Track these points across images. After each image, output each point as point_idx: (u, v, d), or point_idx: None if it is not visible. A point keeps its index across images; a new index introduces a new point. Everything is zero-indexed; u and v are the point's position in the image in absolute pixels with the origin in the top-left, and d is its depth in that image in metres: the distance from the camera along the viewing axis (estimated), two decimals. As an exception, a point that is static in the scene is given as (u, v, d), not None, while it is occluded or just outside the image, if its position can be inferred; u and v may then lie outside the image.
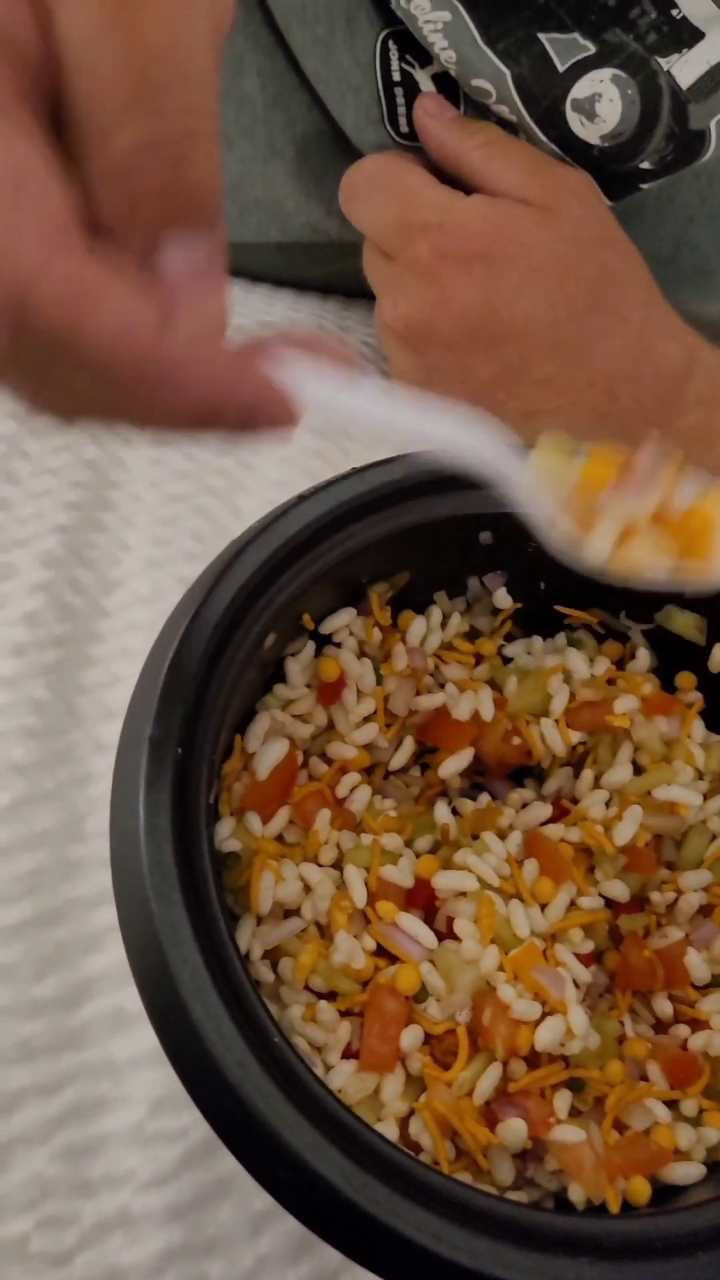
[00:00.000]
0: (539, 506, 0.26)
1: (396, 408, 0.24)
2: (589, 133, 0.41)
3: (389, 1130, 0.28)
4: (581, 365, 0.42)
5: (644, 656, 0.36)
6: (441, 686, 0.37)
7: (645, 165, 0.41)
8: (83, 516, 0.43)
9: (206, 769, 0.28)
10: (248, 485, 0.45)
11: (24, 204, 0.19)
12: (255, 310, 0.53)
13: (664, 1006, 0.33)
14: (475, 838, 0.33)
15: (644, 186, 0.42)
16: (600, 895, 0.33)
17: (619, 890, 0.33)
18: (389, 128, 0.43)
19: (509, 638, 0.38)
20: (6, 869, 0.35)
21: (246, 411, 0.22)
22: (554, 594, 0.37)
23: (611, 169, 0.42)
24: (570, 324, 0.41)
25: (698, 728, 0.35)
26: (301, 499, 0.32)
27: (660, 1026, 0.33)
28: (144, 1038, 0.33)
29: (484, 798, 0.36)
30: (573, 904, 0.33)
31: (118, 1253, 0.31)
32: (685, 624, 0.36)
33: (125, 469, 0.45)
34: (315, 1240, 0.32)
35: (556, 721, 0.35)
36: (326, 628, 0.34)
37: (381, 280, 0.43)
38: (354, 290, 0.53)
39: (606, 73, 0.39)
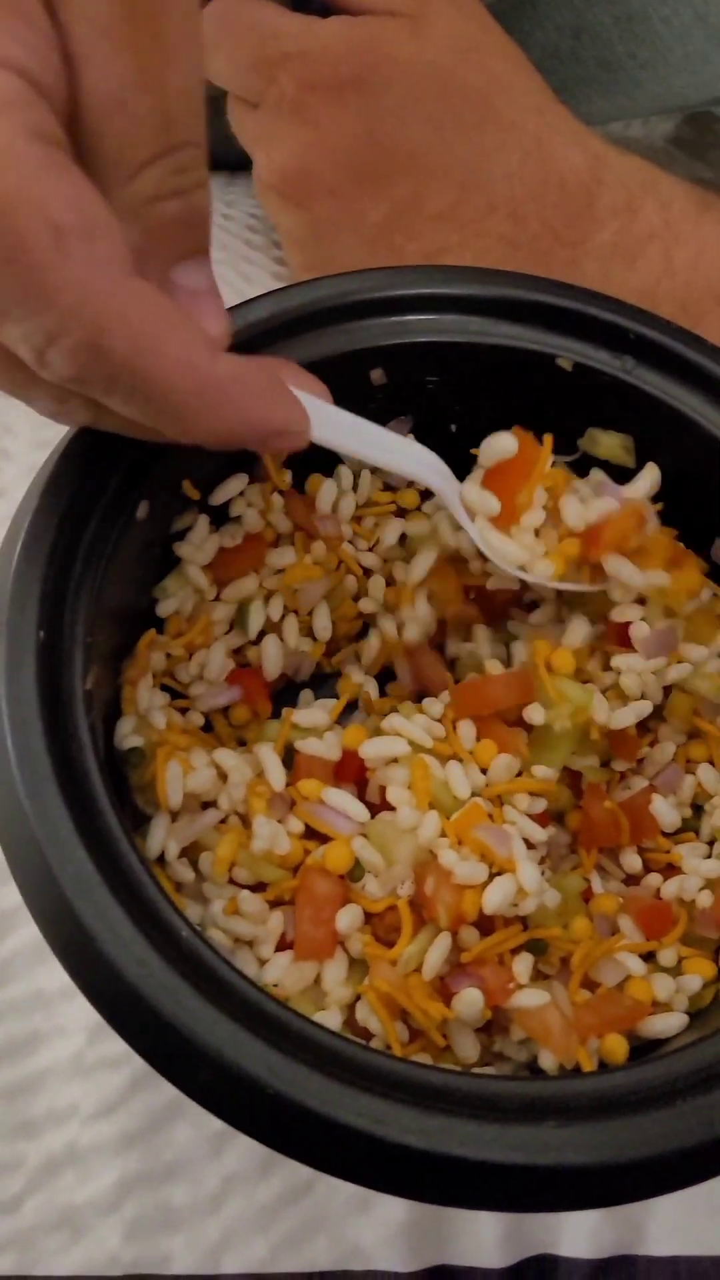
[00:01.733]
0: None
1: (368, 433, 0.28)
2: None
3: (332, 1019, 0.25)
4: (480, 189, 0.38)
5: (583, 490, 0.33)
6: (367, 575, 0.34)
7: None
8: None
9: (81, 654, 0.25)
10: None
11: (97, 248, 0.20)
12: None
13: (632, 861, 0.31)
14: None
15: None
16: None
17: (588, 764, 0.30)
18: None
19: (426, 494, 0.35)
20: None
21: (276, 433, 0.24)
22: (467, 435, 0.33)
23: None
24: (461, 143, 0.38)
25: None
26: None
27: (631, 880, 0.31)
28: (76, 965, 0.31)
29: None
30: (521, 774, 0.30)
31: (70, 1191, 0.29)
32: (611, 446, 0.32)
33: None
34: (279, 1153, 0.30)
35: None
36: (217, 498, 0.31)
37: (251, 134, 0.39)
38: (234, 162, 0.49)
39: None
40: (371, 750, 0.29)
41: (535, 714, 0.30)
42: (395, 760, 0.28)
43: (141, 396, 0.21)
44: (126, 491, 0.27)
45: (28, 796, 0.22)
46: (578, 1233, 0.30)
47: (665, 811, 0.30)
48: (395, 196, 0.38)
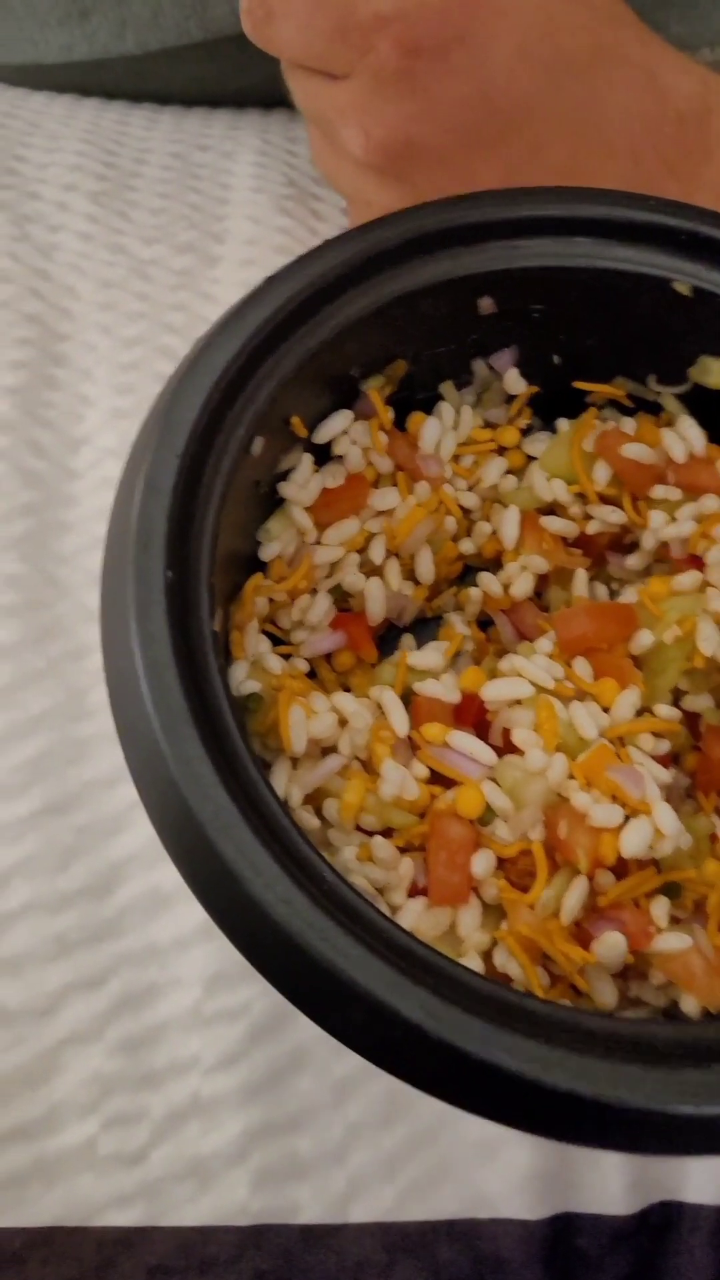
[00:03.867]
0: None
1: None
2: None
3: (472, 964, 0.25)
4: (599, 132, 0.35)
5: (686, 424, 0.32)
6: (466, 515, 0.33)
7: None
8: (32, 375, 0.38)
9: (207, 593, 0.24)
10: (210, 317, 0.40)
11: None
12: (191, 134, 0.47)
13: (753, 804, 0.30)
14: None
15: None
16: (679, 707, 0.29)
17: (704, 703, 0.29)
18: None
19: (526, 431, 0.34)
20: (9, 759, 0.32)
21: None
22: (571, 368, 0.32)
23: None
24: (575, 86, 0.34)
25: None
26: (271, 281, 0.27)
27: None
28: (187, 915, 0.30)
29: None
30: (642, 712, 0.29)
31: (196, 1142, 0.28)
32: (725, 374, 0.31)
33: (72, 319, 0.40)
34: (408, 1099, 0.30)
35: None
36: (321, 436, 0.30)
37: (333, 107, 0.35)
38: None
39: None
40: (494, 692, 0.28)
41: (643, 639, 0.29)
42: (519, 702, 0.28)
43: None
44: (242, 428, 0.26)
45: (165, 738, 0.22)
46: (704, 1179, 0.29)
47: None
48: (509, 155, 0.35)
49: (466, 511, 0.33)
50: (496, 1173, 0.29)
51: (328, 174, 0.39)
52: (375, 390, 0.30)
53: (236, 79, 0.47)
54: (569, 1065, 0.20)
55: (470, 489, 0.33)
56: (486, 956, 0.25)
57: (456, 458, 0.33)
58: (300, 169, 0.46)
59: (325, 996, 0.21)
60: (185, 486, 0.24)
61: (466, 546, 0.33)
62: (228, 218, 0.43)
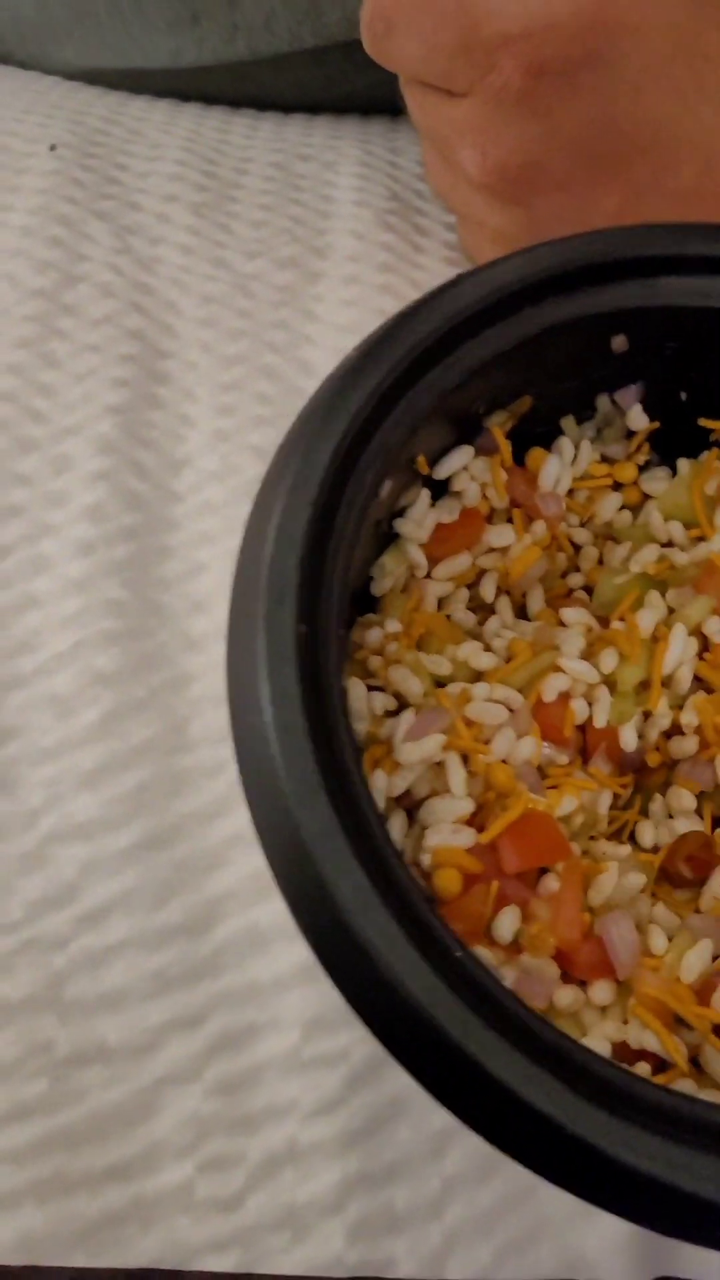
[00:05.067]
0: None
1: None
2: None
3: (600, 1045, 0.24)
4: None
5: None
6: (577, 550, 0.32)
7: None
8: (135, 394, 0.38)
9: (335, 647, 0.23)
10: (313, 336, 0.40)
11: None
12: (292, 142, 0.46)
13: None
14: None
15: None
16: None
17: None
18: None
19: (643, 468, 0.33)
20: (108, 790, 0.31)
21: None
22: (698, 405, 0.31)
23: None
24: (706, 109, 0.33)
25: None
26: (405, 316, 0.26)
27: None
28: (285, 956, 0.30)
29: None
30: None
31: (292, 1189, 0.28)
32: None
33: (174, 335, 0.40)
34: (504, 1155, 0.29)
35: None
36: (441, 472, 0.29)
37: (451, 126, 0.35)
38: (399, 103, 0.46)
39: None
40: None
41: None
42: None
43: None
44: (371, 471, 0.25)
45: (297, 806, 0.21)
46: None
47: None
48: (633, 179, 0.34)
49: (577, 548, 0.32)
50: (595, 1234, 0.28)
51: (440, 191, 0.38)
52: (498, 427, 0.30)
53: (340, 85, 0.46)
54: (703, 1169, 0.20)
55: (583, 525, 0.32)
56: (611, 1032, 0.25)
57: (571, 492, 0.32)
58: (403, 181, 0.45)
59: (461, 1084, 0.20)
60: (317, 535, 0.24)
61: (575, 580, 0.32)
62: (330, 232, 0.42)
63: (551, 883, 0.25)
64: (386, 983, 0.20)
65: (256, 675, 0.22)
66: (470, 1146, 0.29)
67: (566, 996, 0.24)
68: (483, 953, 0.24)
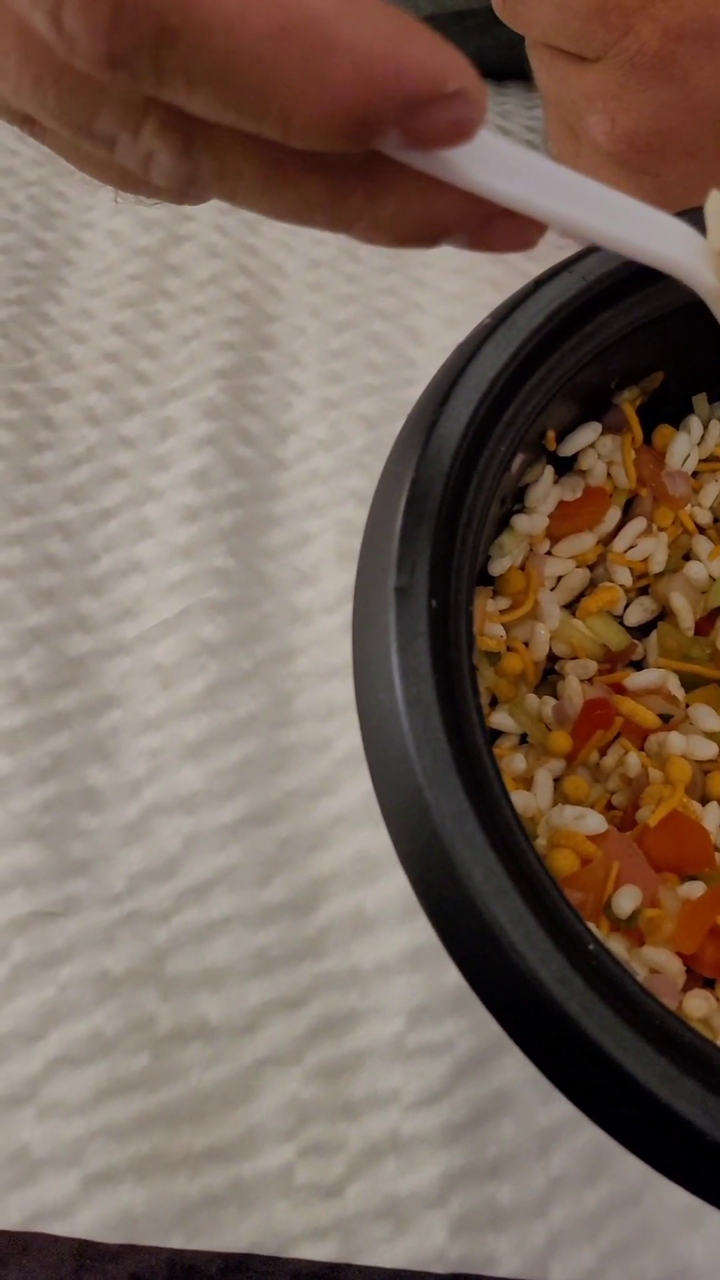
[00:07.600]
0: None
1: (578, 189, 0.19)
2: None
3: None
4: None
5: None
6: (701, 530, 0.30)
7: None
8: (242, 357, 0.37)
9: (465, 623, 0.22)
10: (422, 303, 0.39)
11: None
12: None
13: None
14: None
15: None
16: None
17: None
18: None
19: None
20: (212, 763, 0.31)
21: (421, 92, 0.15)
22: None
23: None
24: None
25: None
26: (539, 283, 0.25)
27: None
28: (390, 941, 0.29)
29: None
30: None
31: (393, 1180, 0.27)
32: None
33: (280, 299, 0.39)
34: (613, 1155, 0.28)
35: None
36: (568, 449, 0.28)
37: (580, 92, 0.33)
38: (505, 69, 0.45)
39: None
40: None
41: None
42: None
43: (203, 62, 0.14)
44: (504, 445, 0.24)
45: (430, 787, 0.20)
46: None
47: None
48: None
49: (701, 529, 0.31)
50: (702, 1241, 0.27)
51: (561, 159, 0.36)
52: (629, 403, 0.28)
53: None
54: None
55: (707, 507, 0.31)
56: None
57: (695, 473, 0.31)
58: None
59: (595, 1083, 0.19)
60: (449, 508, 0.23)
61: (695, 570, 0.31)
62: (441, 195, 0.41)
63: (696, 888, 0.24)
64: (518, 971, 0.19)
65: (388, 650, 0.21)
66: (577, 1146, 0.28)
67: (700, 1006, 0.23)
68: (615, 947, 0.23)
